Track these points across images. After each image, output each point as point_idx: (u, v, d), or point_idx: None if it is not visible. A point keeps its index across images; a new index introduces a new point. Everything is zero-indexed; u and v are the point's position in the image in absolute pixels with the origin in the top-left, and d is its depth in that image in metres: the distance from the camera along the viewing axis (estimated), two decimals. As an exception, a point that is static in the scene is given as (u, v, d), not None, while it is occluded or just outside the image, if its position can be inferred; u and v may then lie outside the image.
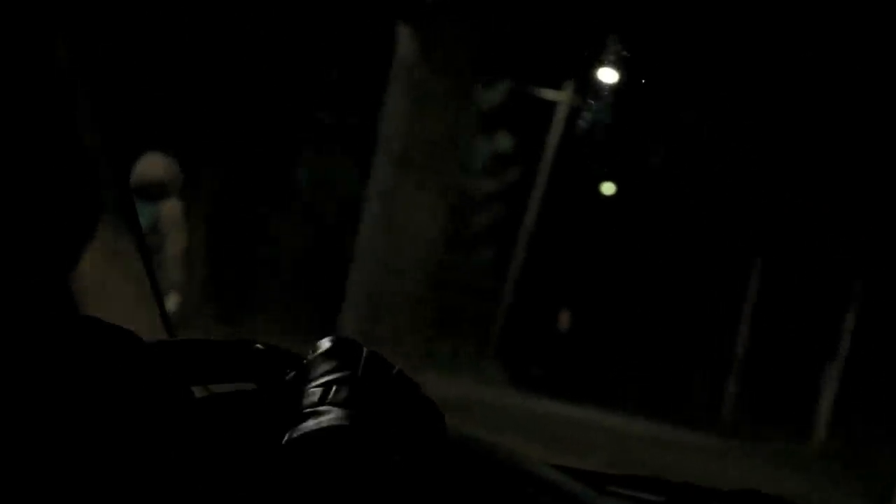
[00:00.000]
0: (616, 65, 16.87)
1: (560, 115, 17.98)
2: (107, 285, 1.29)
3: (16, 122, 0.80)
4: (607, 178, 18.87)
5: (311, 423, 0.88)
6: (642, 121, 17.01)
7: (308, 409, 0.89)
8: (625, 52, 16.15)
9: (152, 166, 5.77)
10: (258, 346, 1.01)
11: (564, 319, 19.73)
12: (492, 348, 18.09)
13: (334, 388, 0.90)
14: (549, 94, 17.97)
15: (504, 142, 17.81)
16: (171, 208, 5.85)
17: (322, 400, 0.90)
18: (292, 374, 0.95)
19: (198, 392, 1.02)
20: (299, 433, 0.87)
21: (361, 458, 0.86)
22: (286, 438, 0.88)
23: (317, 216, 14.49)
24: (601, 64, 17.21)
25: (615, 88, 16.70)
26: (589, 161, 17.93)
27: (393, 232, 6.38)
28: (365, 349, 0.95)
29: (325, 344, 0.95)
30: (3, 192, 0.80)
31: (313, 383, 0.92)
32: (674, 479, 1.62)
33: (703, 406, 17.29)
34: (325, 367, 0.93)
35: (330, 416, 0.88)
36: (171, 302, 5.79)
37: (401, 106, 6.39)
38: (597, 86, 17.48)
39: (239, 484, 0.89)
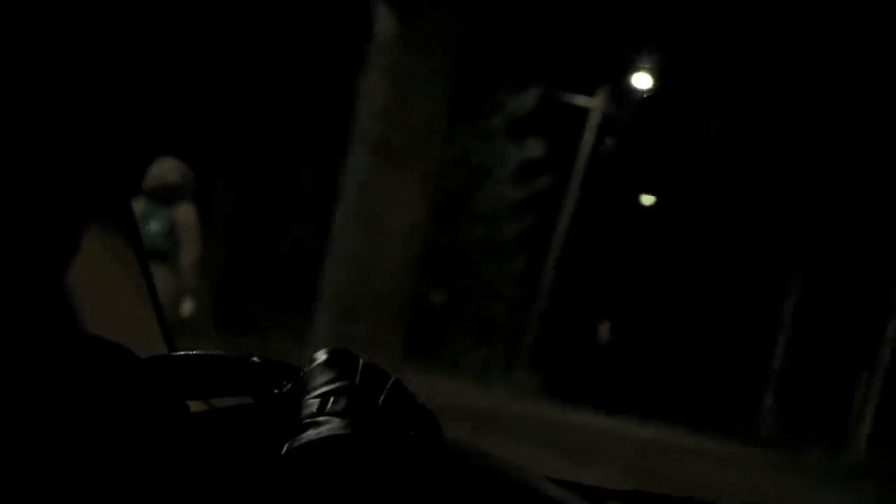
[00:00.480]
0: (651, 71, 16.88)
1: (593, 121, 17.92)
2: (106, 299, 1.29)
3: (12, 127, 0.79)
4: (643, 187, 18.78)
5: (311, 433, 0.88)
6: (677, 130, 16.92)
7: (307, 420, 0.90)
8: (659, 60, 16.19)
9: (167, 170, 5.88)
10: (254, 359, 1.01)
11: (604, 331, 19.62)
12: (524, 358, 18.05)
13: (332, 399, 0.91)
14: (581, 100, 17.92)
15: (535, 149, 17.72)
16: (185, 212, 5.91)
17: (321, 410, 0.90)
18: (289, 385, 0.96)
19: (198, 407, 1.03)
20: (300, 443, 0.88)
21: (364, 466, 0.87)
22: (286, 448, 0.88)
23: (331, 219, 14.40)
24: (635, 70, 17.26)
25: (649, 95, 16.70)
26: (622, 169, 17.85)
27: (369, 225, 5.92)
28: (361, 359, 0.96)
29: (322, 355, 0.96)
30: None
31: (311, 394, 0.92)
32: (704, 491, 1.60)
33: (740, 418, 17.14)
34: (322, 378, 0.94)
35: (330, 426, 0.88)
36: (186, 308, 5.90)
37: (379, 89, 5.90)
38: (630, 92, 17.51)
39: (239, 496, 0.90)
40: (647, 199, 19.16)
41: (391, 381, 0.95)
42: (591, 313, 19.46)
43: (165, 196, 5.83)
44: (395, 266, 5.96)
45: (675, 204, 18.40)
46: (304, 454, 0.87)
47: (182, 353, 1.04)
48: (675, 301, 18.99)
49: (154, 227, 5.82)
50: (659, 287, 19.08)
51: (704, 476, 9.79)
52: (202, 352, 1.02)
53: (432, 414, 0.97)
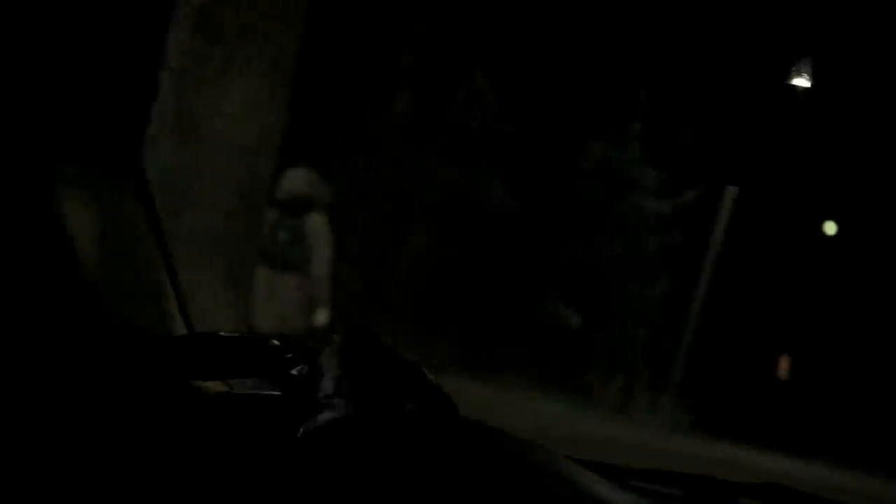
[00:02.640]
0: (810, 73, 16.04)
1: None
2: (125, 277, 1.39)
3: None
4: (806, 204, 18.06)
5: (326, 415, 1.00)
6: (844, 137, 16.21)
7: (323, 401, 1.02)
8: (822, 59, 15.41)
9: (296, 180, 6.16)
10: (273, 341, 1.11)
11: (784, 366, 19.14)
12: (672, 388, 17.41)
13: (348, 381, 1.03)
14: (732, 103, 17.35)
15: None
16: (315, 224, 6.22)
17: (336, 392, 1.03)
18: (306, 367, 1.08)
19: (223, 387, 1.18)
20: (314, 425, 1.00)
21: (376, 447, 0.99)
22: (301, 431, 1.00)
23: (457, 229, 14.47)
24: (797, 72, 16.45)
25: (809, 97, 15.88)
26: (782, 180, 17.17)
27: (189, 133, 4.26)
28: (380, 341, 1.06)
29: (340, 337, 1.08)
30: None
31: (327, 376, 1.04)
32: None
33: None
34: (339, 359, 1.05)
35: (344, 408, 1.00)
36: (319, 318, 6.20)
37: None
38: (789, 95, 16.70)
39: (252, 475, 1.00)
40: (831, 228, 18.42)
41: (409, 363, 1.06)
42: (750, 340, 18.74)
43: (294, 207, 6.13)
44: (225, 193, 4.45)
45: (850, 223, 17.71)
46: (319, 436, 0.99)
47: (197, 332, 1.22)
48: (849, 328, 18.21)
49: (283, 236, 6.13)
50: (830, 313, 18.32)
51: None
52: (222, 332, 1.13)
53: (447, 396, 1.08)
